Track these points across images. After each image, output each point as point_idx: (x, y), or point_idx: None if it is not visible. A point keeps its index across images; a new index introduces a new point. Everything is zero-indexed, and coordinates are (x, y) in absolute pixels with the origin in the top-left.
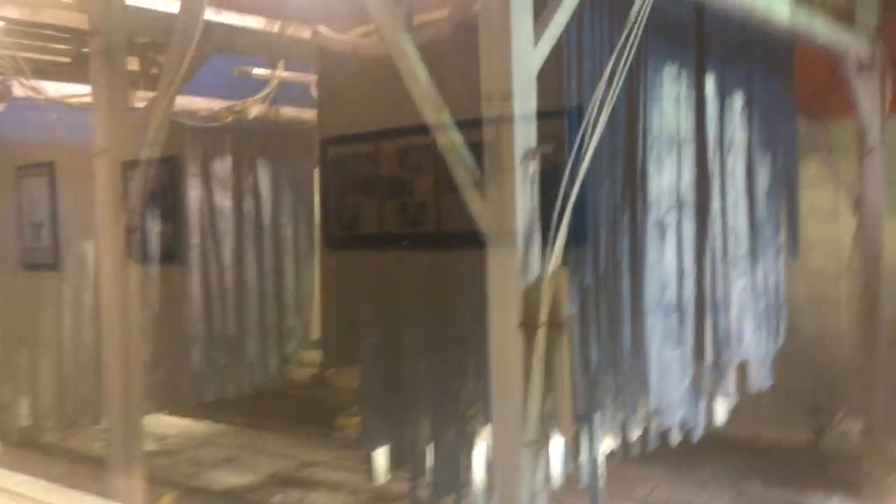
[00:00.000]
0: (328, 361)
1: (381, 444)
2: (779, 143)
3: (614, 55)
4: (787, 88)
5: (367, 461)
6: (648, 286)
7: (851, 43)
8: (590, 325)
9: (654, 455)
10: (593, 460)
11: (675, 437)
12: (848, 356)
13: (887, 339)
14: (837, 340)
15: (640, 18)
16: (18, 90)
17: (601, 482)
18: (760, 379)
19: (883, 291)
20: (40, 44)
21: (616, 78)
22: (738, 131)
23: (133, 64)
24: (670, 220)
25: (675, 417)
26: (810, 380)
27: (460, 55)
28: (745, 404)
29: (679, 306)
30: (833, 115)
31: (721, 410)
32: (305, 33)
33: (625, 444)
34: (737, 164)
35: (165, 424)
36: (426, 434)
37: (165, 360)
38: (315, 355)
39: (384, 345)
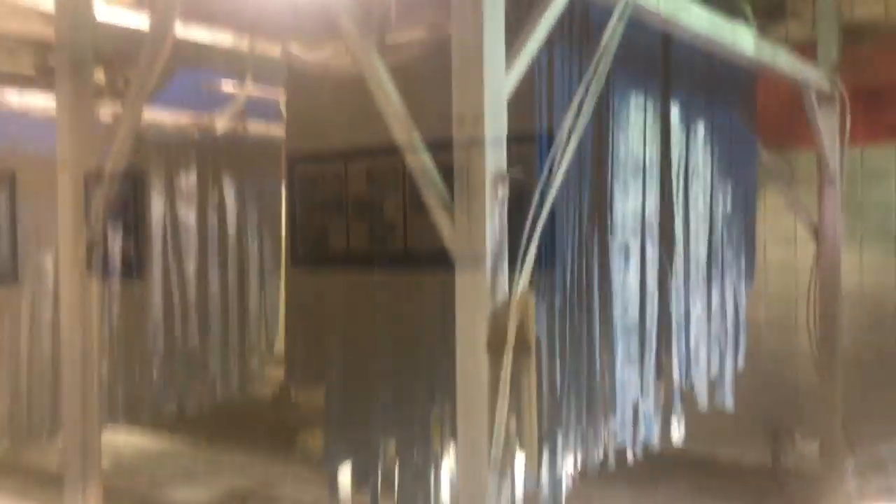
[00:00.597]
0: (292, 379)
1: (344, 462)
2: (739, 172)
3: (583, 83)
4: (748, 119)
5: (331, 479)
6: (614, 308)
7: (813, 76)
8: (555, 346)
9: (614, 474)
10: (556, 480)
11: (636, 457)
12: (806, 378)
13: (845, 362)
14: (796, 363)
15: (607, 48)
16: None
17: (563, 501)
18: (720, 399)
19: (841, 316)
20: (2, 55)
21: (584, 105)
22: (700, 159)
23: (99, 74)
24: (634, 243)
25: (636, 437)
26: (769, 401)
27: (432, 77)
28: (704, 424)
29: (642, 328)
30: (794, 146)
31: (679, 430)
32: (275, 51)
33: (586, 464)
34: (699, 191)
35: (123, 440)
36: (391, 453)
37: (125, 375)
38: (279, 372)
39: (349, 363)
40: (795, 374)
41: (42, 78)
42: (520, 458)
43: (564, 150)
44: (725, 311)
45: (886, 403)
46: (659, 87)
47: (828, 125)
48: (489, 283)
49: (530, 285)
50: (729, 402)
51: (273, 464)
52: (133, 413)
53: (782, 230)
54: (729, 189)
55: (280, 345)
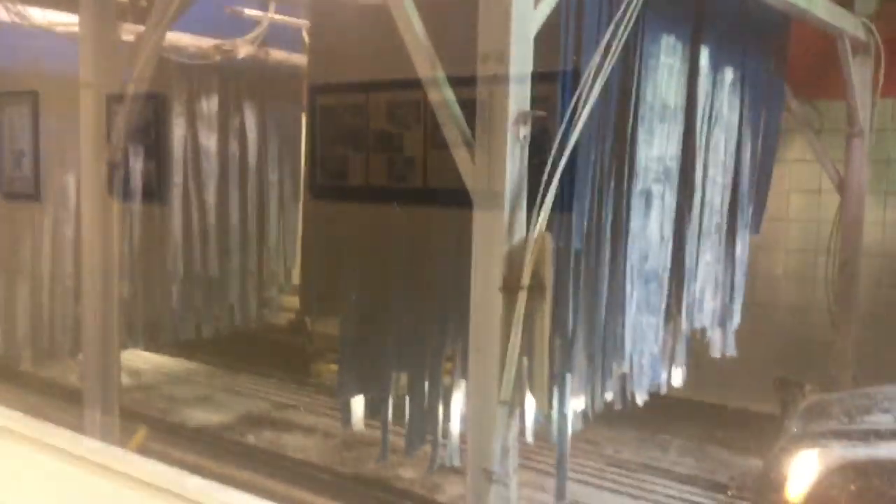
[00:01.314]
0: (306, 309)
1: (357, 392)
2: (764, 121)
3: (612, 24)
4: (778, 68)
5: (343, 408)
6: (631, 253)
7: (848, 24)
8: (570, 288)
9: (620, 417)
10: (563, 419)
11: (643, 400)
12: (821, 332)
13: (861, 317)
14: (812, 316)
15: None
16: (3, 14)
17: (569, 441)
18: (724, 347)
19: (860, 270)
20: None
21: (613, 47)
22: (726, 106)
23: None
24: (656, 189)
25: (644, 381)
26: (782, 353)
27: (459, 10)
28: (715, 373)
29: (657, 274)
30: (825, 95)
31: (685, 375)
32: None
33: (594, 405)
34: (721, 138)
35: (141, 360)
36: (403, 385)
37: (144, 297)
38: (295, 301)
39: (363, 296)
40: (811, 328)
41: None
42: (529, 397)
43: (590, 93)
44: (734, 261)
45: None
46: (689, 31)
47: (860, 75)
48: (507, 223)
49: (548, 227)
50: (731, 347)
51: (286, 390)
52: (152, 335)
53: (806, 181)
54: (751, 138)
55: (298, 274)
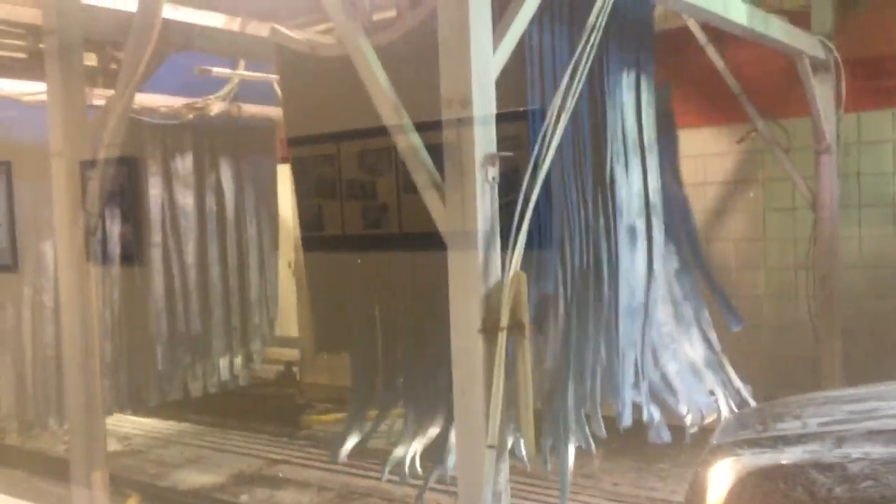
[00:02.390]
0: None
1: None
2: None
3: (573, 60)
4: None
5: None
6: (618, 289)
7: (807, 44)
8: (561, 327)
9: (616, 450)
10: (563, 454)
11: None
12: (806, 349)
13: (843, 330)
14: (795, 333)
15: (598, 23)
16: None
17: (569, 476)
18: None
19: (839, 284)
20: None
21: (575, 82)
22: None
23: (91, 60)
24: (640, 225)
25: (633, 413)
26: (768, 371)
27: (420, 56)
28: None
29: (641, 310)
30: (790, 114)
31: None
32: (265, 31)
33: (590, 440)
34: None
35: (130, 424)
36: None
37: (129, 360)
38: (281, 352)
39: (364, 334)
40: (795, 345)
41: (35, 63)
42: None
43: (555, 129)
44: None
45: (885, 375)
46: (651, 62)
47: (823, 93)
48: (481, 265)
49: (523, 266)
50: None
51: (278, 444)
52: (140, 398)
53: (780, 199)
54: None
55: (284, 324)
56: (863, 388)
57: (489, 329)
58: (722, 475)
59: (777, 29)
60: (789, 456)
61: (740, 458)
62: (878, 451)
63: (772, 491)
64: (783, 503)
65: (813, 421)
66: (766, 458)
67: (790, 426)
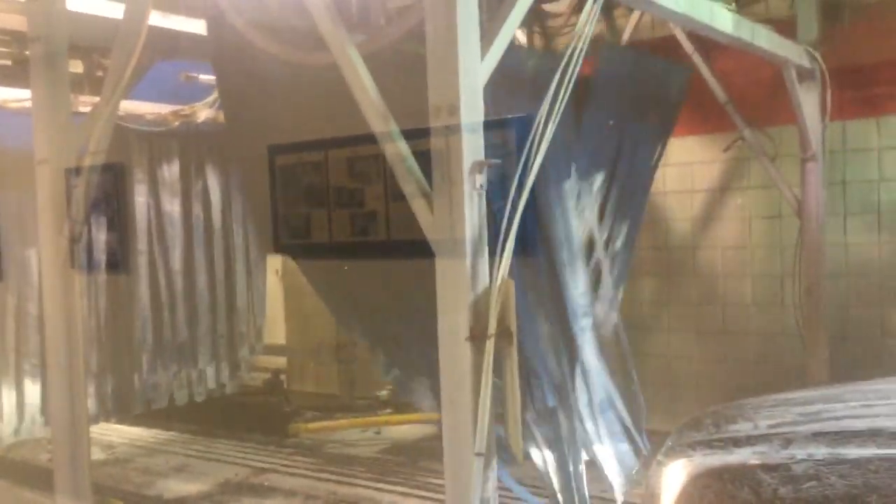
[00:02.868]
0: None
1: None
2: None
3: (559, 70)
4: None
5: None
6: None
7: (793, 53)
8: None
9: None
10: (577, 471)
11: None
12: (794, 356)
13: (830, 338)
14: (783, 341)
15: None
16: None
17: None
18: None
19: (826, 292)
20: None
21: (563, 89)
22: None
23: (77, 66)
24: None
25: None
26: (757, 379)
27: (408, 64)
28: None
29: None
30: (776, 122)
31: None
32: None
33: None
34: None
35: (115, 433)
36: None
37: (115, 368)
38: (268, 360)
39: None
40: (783, 353)
41: (20, 70)
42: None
43: (543, 136)
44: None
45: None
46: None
47: (809, 101)
48: (469, 272)
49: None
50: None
51: (265, 452)
52: (125, 407)
53: (766, 207)
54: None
55: (269, 332)
56: (814, 390)
57: (477, 336)
58: (674, 476)
59: (763, 38)
60: (738, 457)
61: (692, 459)
62: (821, 452)
63: (720, 491)
64: (731, 503)
65: (763, 423)
66: (716, 458)
67: (742, 428)
